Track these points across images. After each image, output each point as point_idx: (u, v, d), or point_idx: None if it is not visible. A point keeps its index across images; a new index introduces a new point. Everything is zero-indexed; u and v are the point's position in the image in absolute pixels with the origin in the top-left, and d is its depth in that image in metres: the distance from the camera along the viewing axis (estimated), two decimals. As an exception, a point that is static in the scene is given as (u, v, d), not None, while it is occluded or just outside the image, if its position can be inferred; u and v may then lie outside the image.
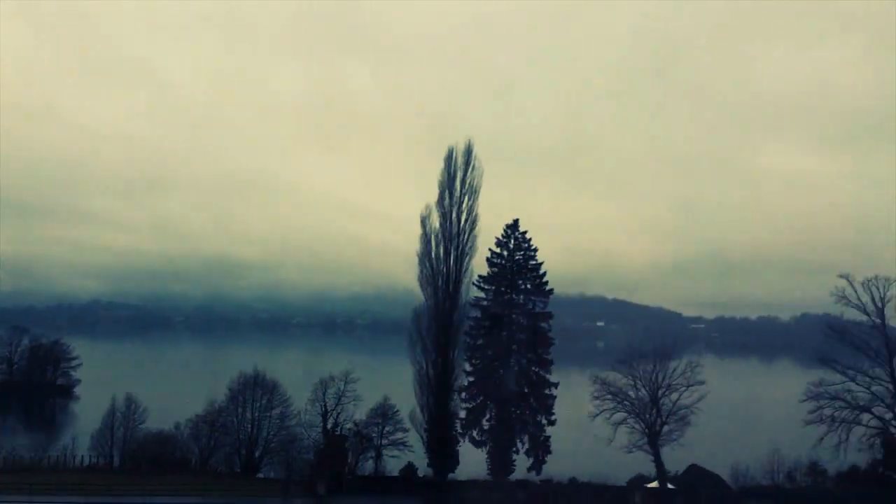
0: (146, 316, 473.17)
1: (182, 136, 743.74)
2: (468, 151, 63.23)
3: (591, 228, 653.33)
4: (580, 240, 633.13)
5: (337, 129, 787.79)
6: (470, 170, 63.02)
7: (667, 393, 62.68)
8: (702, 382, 64.51)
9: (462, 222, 62.49)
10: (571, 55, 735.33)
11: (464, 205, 62.69)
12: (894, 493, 57.38)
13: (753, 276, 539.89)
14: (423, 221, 62.41)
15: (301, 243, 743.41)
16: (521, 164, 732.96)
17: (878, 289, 70.97)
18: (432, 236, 62.16)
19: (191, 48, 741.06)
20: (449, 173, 62.86)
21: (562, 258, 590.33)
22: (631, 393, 63.07)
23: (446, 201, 62.28)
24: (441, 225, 62.07)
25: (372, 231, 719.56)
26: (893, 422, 66.80)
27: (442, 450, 60.13)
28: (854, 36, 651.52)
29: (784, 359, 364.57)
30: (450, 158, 63.09)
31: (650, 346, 64.46)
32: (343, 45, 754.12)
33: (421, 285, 61.91)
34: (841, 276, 71.60)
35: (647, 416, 62.24)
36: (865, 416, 67.83)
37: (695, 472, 64.66)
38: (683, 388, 62.54)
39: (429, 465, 61.44)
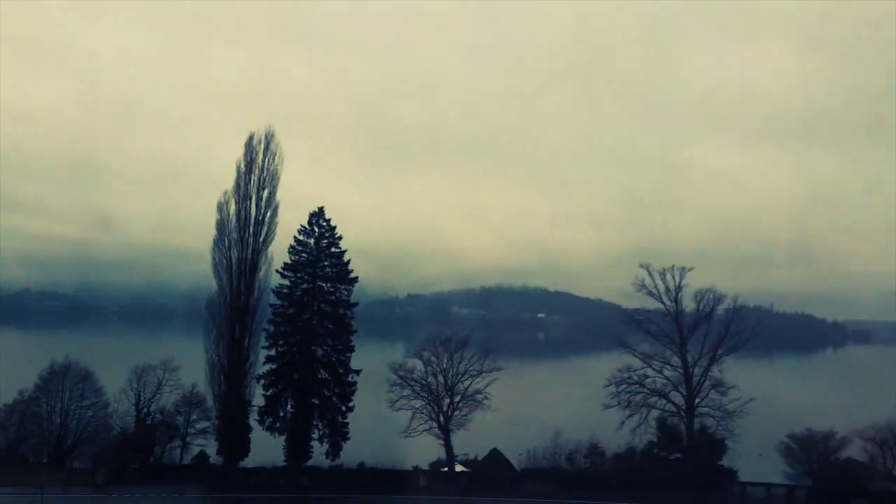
0: (80, 306, 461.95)
1: (114, 121, 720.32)
2: (269, 137, 63.50)
3: (532, 221, 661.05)
4: (522, 232, 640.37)
5: (275, 115, 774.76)
6: (270, 156, 63.34)
7: (461, 380, 64.15)
8: (499, 369, 66.29)
9: (262, 209, 62.80)
10: (506, 50, 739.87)
11: (263, 192, 63.00)
12: (666, 472, 59.94)
13: (693, 268, 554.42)
14: (220, 207, 62.53)
15: None
16: (457, 156, 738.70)
17: (674, 277, 74.09)
18: (228, 223, 62.32)
19: (123, 31, 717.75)
20: (248, 159, 63.05)
21: (505, 251, 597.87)
22: (431, 380, 64.30)
23: (243, 188, 62.47)
24: (237, 212, 62.27)
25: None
26: (685, 406, 70.00)
27: (232, 437, 60.56)
28: (778, 36, 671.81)
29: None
30: (250, 144, 63.27)
31: (449, 334, 65.60)
32: (278, 31, 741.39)
33: (215, 272, 62.04)
34: (641, 266, 74.51)
35: (442, 402, 63.64)
36: (661, 401, 70.99)
37: (494, 456, 66.59)
38: (476, 375, 64.12)
39: (218, 453, 61.86)
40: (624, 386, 70.88)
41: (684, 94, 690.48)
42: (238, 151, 63.10)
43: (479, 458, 67.45)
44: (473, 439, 70.14)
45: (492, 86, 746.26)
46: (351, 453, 63.81)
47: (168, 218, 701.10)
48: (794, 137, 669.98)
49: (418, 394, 63.05)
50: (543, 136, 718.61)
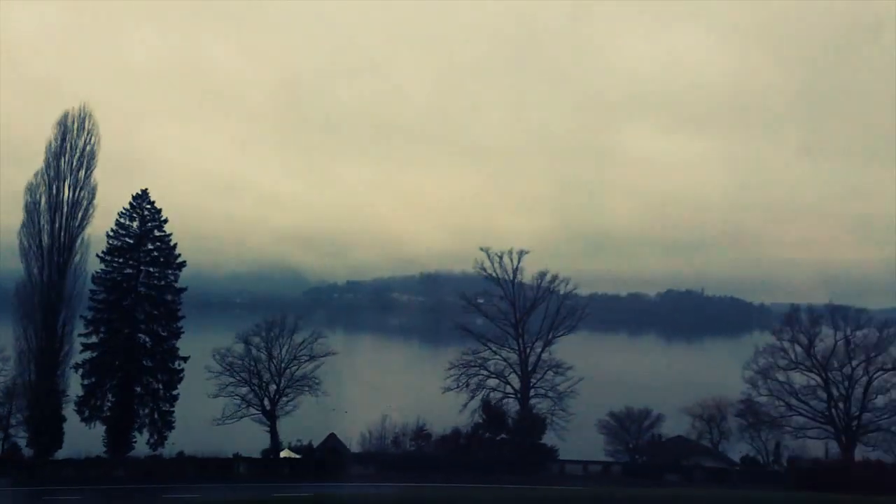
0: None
1: (21, 100, 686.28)
2: (84, 117, 61.01)
3: (471, 206, 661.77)
4: (461, 218, 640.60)
5: (198, 98, 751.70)
6: (86, 136, 60.92)
7: (291, 365, 63.51)
8: (333, 353, 65.98)
9: (75, 191, 60.42)
10: (436, 34, 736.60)
11: (79, 173, 60.61)
12: (490, 453, 60.72)
13: (624, 254, 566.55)
14: (30, 190, 59.92)
15: (172, 220, 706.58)
16: (393, 141, 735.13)
17: (511, 260, 75.11)
18: (39, 206, 59.82)
19: (36, 9, 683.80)
20: (61, 140, 60.49)
21: (444, 236, 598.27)
22: (258, 365, 63.42)
23: (54, 170, 59.98)
24: (48, 194, 59.79)
25: (243, 206, 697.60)
26: (520, 387, 71.23)
27: (43, 428, 58.54)
28: (703, 23, 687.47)
29: (650, 333, 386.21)
30: (63, 124, 60.67)
31: (277, 318, 64.61)
32: (202, 10, 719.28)
33: (24, 258, 59.47)
34: (481, 249, 75.16)
35: (268, 388, 62.87)
36: (501, 383, 72.03)
37: (330, 441, 66.30)
38: (306, 360, 63.60)
39: (28, 445, 59.79)
40: (465, 369, 71.79)
41: (613, 79, 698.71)
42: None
43: (316, 444, 67.02)
44: (314, 425, 69.84)
45: (424, 70, 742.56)
46: (183, 443, 62.55)
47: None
48: (722, 123, 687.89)
49: (245, 380, 62.09)
50: (477, 121, 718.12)
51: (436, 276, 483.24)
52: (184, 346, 63.48)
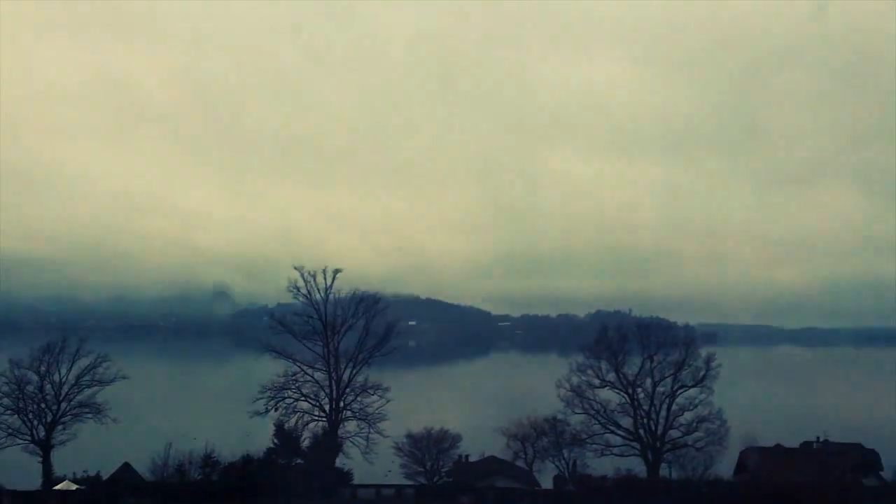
0: None
1: None
2: None
3: (402, 228, 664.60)
4: (393, 239, 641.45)
5: (120, 118, 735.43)
6: None
7: (71, 391, 60.42)
8: (123, 378, 63.21)
9: None
10: (362, 56, 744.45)
11: None
12: (281, 478, 58.63)
13: (554, 275, 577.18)
14: None
15: (92, 240, 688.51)
16: (321, 163, 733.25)
17: (325, 279, 73.69)
18: None
19: None
20: None
21: (375, 258, 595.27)
22: (32, 392, 59.86)
23: None
24: None
25: (169, 226, 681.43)
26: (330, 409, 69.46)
27: None
28: (624, 51, 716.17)
29: (580, 352, 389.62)
30: None
31: (58, 342, 61.36)
32: (123, 30, 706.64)
33: None
34: (295, 268, 73.44)
35: (44, 416, 59.54)
36: (312, 406, 70.10)
37: (123, 471, 63.09)
38: (87, 387, 60.65)
39: None
40: (276, 392, 69.54)
41: (538, 104, 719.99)
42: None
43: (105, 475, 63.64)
44: (111, 453, 66.49)
45: (350, 92, 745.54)
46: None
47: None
48: (646, 148, 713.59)
49: (13, 408, 58.59)
50: (404, 141, 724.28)
51: (366, 298, 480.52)
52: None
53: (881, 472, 60.85)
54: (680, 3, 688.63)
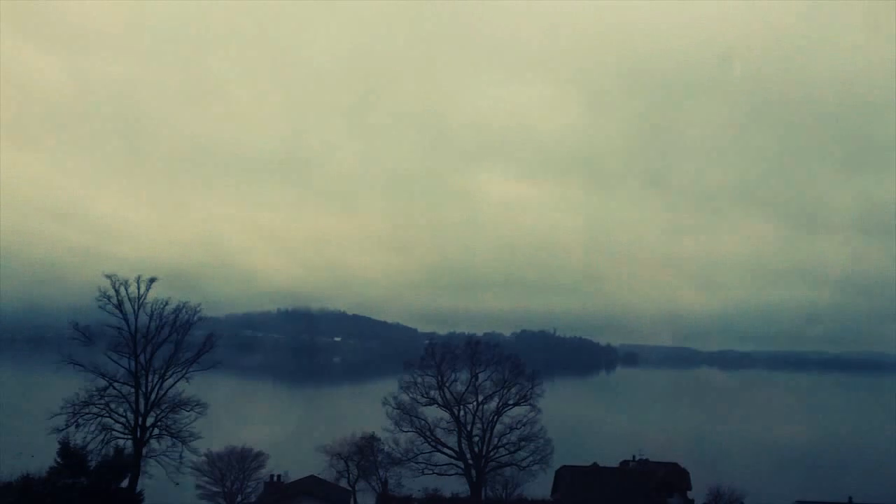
0: None
1: None
2: None
3: (330, 245, 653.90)
4: (320, 255, 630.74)
5: (25, 123, 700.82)
6: None
7: None
8: None
9: None
10: (284, 72, 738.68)
11: None
12: (60, 499, 55.11)
13: (480, 294, 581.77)
14: None
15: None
16: (246, 175, 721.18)
17: (138, 288, 70.49)
18: None
19: None
20: None
21: (302, 273, 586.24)
22: None
23: None
24: None
25: (82, 236, 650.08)
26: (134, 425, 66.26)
27: None
28: (541, 77, 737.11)
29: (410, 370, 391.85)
30: None
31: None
32: (31, 30, 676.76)
33: None
34: (106, 276, 70.04)
35: None
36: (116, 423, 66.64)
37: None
38: None
39: None
40: (81, 407, 65.79)
41: (461, 124, 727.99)
42: None
43: None
44: None
45: (274, 104, 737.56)
46: None
47: None
48: (568, 171, 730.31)
49: None
50: (329, 158, 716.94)
51: (294, 313, 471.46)
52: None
53: (688, 492, 61.79)
54: (598, 33, 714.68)
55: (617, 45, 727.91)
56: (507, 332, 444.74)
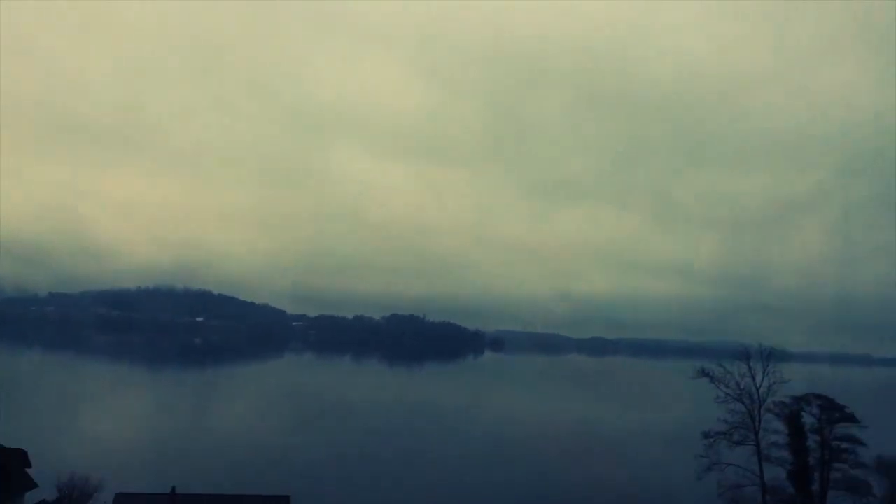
0: None
1: None
2: None
3: (188, 221, 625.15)
4: (179, 232, 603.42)
5: None
6: None
7: None
8: None
9: None
10: (121, 34, 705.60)
11: None
12: None
13: (351, 276, 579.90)
14: None
15: None
16: (88, 143, 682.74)
17: None
18: None
19: None
20: None
21: (162, 249, 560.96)
22: None
23: None
24: None
25: None
26: None
27: None
28: (397, 57, 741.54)
29: (374, 356, 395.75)
30: None
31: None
32: None
33: None
34: None
35: None
36: None
37: None
38: None
39: None
40: None
41: (318, 102, 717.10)
42: None
43: None
44: None
45: (111, 68, 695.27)
46: None
47: None
48: (427, 153, 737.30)
49: None
50: (174, 130, 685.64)
51: (155, 291, 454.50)
52: None
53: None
54: (454, 17, 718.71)
55: (473, 31, 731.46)
56: (377, 316, 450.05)
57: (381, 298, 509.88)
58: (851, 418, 53.69)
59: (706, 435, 53.22)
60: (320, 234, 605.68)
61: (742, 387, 53.83)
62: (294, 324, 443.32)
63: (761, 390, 53.63)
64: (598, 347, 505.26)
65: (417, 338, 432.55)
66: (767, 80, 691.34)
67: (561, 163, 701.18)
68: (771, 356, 55.22)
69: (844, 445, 53.52)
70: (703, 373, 54.02)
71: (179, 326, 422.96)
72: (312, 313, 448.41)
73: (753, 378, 53.86)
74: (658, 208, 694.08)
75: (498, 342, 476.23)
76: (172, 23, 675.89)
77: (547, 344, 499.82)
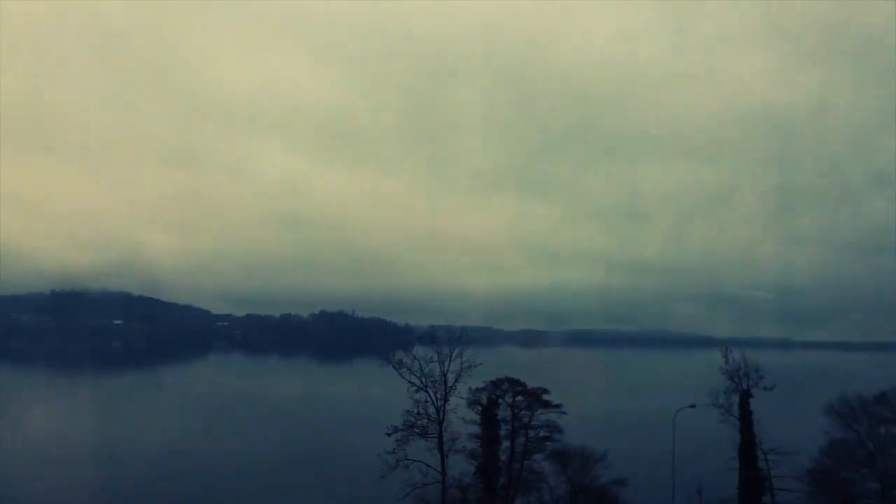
0: None
1: None
2: None
3: (100, 219, 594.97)
4: (99, 232, 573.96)
5: None
6: None
7: None
8: None
9: None
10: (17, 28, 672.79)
11: None
12: None
13: (277, 274, 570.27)
14: None
15: None
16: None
17: None
18: None
19: None
20: None
21: (75, 249, 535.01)
22: None
23: None
24: None
25: None
26: None
27: None
28: (301, 48, 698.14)
29: (302, 354, 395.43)
30: None
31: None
32: None
33: None
34: None
35: None
36: None
37: None
38: None
39: None
40: None
41: (224, 93, 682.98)
42: None
43: None
44: None
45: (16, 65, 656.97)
46: None
47: None
48: (344, 148, 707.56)
49: None
50: (71, 117, 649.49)
51: (71, 294, 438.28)
52: None
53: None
54: (364, 4, 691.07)
55: (383, 23, 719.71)
56: (305, 314, 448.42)
57: (310, 296, 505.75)
58: (549, 404, 52.57)
59: (395, 429, 49.54)
60: (243, 231, 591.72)
61: (426, 373, 50.77)
62: (219, 324, 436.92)
63: (448, 376, 50.62)
64: (528, 339, 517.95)
65: (347, 334, 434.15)
66: (675, 72, 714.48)
67: (480, 155, 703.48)
68: (461, 339, 51.22)
69: (543, 433, 52.29)
70: (389, 361, 51.53)
71: (97, 330, 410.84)
72: (239, 313, 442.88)
73: (441, 364, 50.63)
74: (577, 199, 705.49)
75: (428, 336, 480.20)
76: (72, 15, 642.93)
77: (478, 337, 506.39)
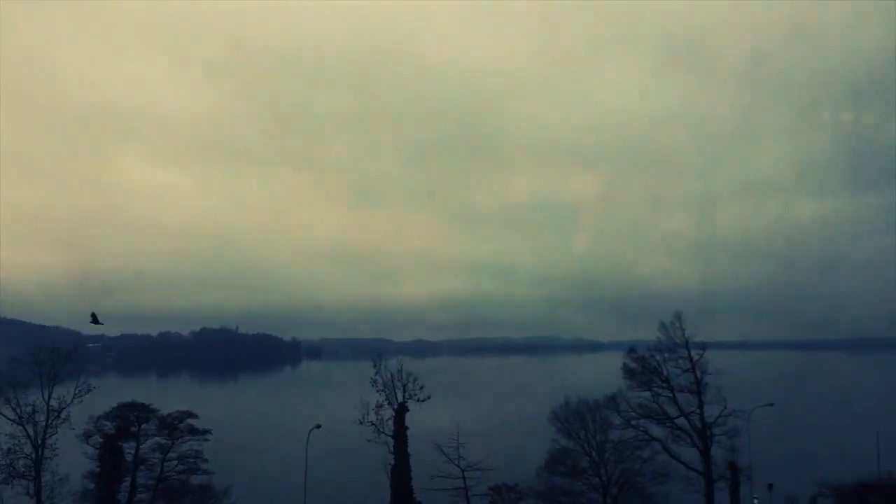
0: None
1: None
2: None
3: None
4: None
5: None
6: None
7: None
8: None
9: None
10: None
11: None
12: None
13: (151, 291, 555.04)
14: None
15: None
16: None
17: None
18: None
19: None
20: None
21: None
22: None
23: None
24: None
25: None
26: None
27: None
28: (162, 55, 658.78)
29: (182, 373, 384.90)
30: None
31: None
32: None
33: None
34: None
35: None
36: None
37: None
38: None
39: None
40: None
41: (79, 105, 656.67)
42: None
43: None
44: None
45: None
46: None
47: None
48: (212, 156, 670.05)
49: None
50: None
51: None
52: None
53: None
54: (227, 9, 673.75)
55: (250, 29, 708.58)
56: (185, 332, 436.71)
57: (189, 313, 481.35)
58: (194, 430, 49.63)
59: None
60: (113, 247, 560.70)
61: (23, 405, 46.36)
62: (90, 345, 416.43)
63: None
64: (420, 350, 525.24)
65: (230, 351, 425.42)
66: (543, 82, 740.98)
67: (355, 165, 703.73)
68: (60, 360, 45.96)
69: (181, 466, 49.14)
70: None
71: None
72: (113, 333, 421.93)
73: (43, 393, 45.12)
74: (456, 209, 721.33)
75: (315, 351, 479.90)
76: None
77: (369, 349, 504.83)
